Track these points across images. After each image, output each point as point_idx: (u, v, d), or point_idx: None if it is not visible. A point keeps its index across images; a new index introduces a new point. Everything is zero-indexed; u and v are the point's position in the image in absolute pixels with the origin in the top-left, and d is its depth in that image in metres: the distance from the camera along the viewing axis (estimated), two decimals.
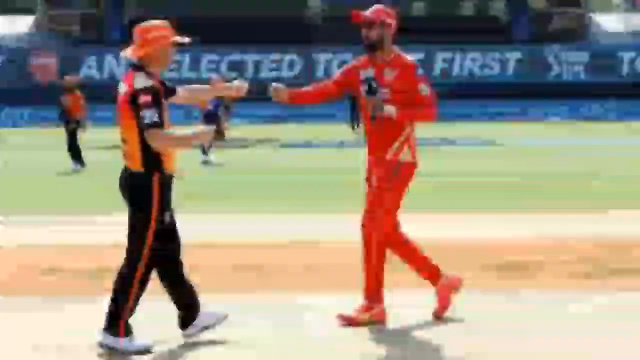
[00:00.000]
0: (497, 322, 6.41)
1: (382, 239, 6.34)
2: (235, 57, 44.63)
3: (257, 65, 44.76)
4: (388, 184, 6.34)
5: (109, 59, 43.60)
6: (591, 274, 7.97)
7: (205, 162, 20.25)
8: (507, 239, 9.85)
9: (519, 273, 8.06)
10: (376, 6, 6.48)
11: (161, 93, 5.76)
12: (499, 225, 10.95)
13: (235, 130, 27.91)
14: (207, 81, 18.53)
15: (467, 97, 41.68)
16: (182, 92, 6.12)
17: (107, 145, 22.48)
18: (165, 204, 5.76)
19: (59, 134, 20.52)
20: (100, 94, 28.49)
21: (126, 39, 5.93)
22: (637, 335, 6.13)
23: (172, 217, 5.86)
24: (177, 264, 5.93)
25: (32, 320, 6.61)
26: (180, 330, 6.02)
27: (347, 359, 5.73)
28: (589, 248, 9.14)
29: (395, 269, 6.68)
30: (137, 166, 5.72)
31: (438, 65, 44.80)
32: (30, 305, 7.07)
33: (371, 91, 6.43)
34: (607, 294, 7.25)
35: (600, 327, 6.30)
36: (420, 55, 39.92)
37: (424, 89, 6.38)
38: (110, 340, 5.71)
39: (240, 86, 6.30)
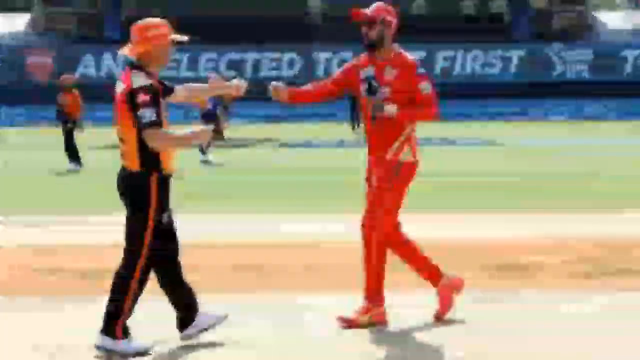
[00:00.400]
0: (497, 322, 6.41)
1: (383, 239, 6.32)
2: (234, 56, 44.60)
3: (256, 64, 44.74)
4: (388, 184, 6.32)
5: (107, 57, 43.50)
6: (591, 274, 7.96)
7: (205, 162, 20.24)
8: (507, 239, 9.84)
9: (519, 273, 8.06)
10: (376, 4, 6.43)
11: (160, 92, 5.71)
12: (499, 225, 10.94)
13: (234, 130, 27.91)
14: (205, 80, 18.55)
15: (468, 96, 41.68)
16: (180, 91, 6.06)
17: (107, 145, 22.47)
18: (163, 204, 5.74)
19: (58, 133, 20.50)
20: (98, 93, 28.47)
21: (124, 38, 5.90)
22: (637, 335, 6.12)
23: (170, 217, 5.83)
24: (176, 265, 5.90)
25: (32, 320, 6.60)
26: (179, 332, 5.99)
27: (347, 359, 5.72)
28: (589, 248, 9.14)
29: (395, 269, 6.67)
30: (135, 166, 5.68)
31: (439, 65, 44.78)
32: (30, 305, 7.06)
33: (371, 90, 6.39)
34: (607, 294, 7.24)
35: (600, 327, 6.29)
36: (422, 54, 39.94)
37: (425, 88, 6.34)
38: (108, 342, 5.66)
39: (239, 85, 6.26)
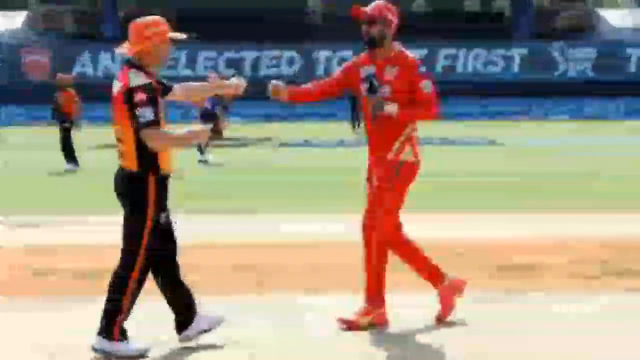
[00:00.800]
0: (497, 322, 6.40)
1: (383, 239, 6.31)
2: (233, 54, 44.52)
3: (255, 63, 44.68)
4: (388, 184, 6.30)
5: (104, 56, 43.38)
6: (591, 274, 7.95)
7: (203, 162, 20.21)
8: (507, 239, 9.83)
9: (519, 273, 8.05)
10: (377, 2, 6.38)
11: (158, 91, 5.67)
12: (499, 225, 10.93)
13: (234, 129, 27.88)
14: (204, 78, 18.54)
15: (470, 95, 41.65)
16: (179, 90, 6.01)
17: (106, 145, 22.43)
18: (162, 204, 5.70)
19: (57, 133, 20.48)
20: (95, 92, 28.38)
21: (122, 36, 5.87)
22: (637, 335, 6.12)
23: (168, 217, 5.80)
24: (174, 265, 5.88)
25: (32, 320, 6.60)
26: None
27: (347, 359, 5.71)
28: (589, 248, 9.13)
29: (395, 269, 6.66)
30: (133, 166, 5.63)
31: (440, 64, 44.73)
32: (30, 305, 7.05)
33: (372, 89, 6.36)
34: (608, 294, 7.23)
35: (600, 327, 6.28)
36: (423, 53, 39.91)
37: (426, 87, 6.31)
38: (106, 344, 5.62)
39: (238, 84, 6.23)
